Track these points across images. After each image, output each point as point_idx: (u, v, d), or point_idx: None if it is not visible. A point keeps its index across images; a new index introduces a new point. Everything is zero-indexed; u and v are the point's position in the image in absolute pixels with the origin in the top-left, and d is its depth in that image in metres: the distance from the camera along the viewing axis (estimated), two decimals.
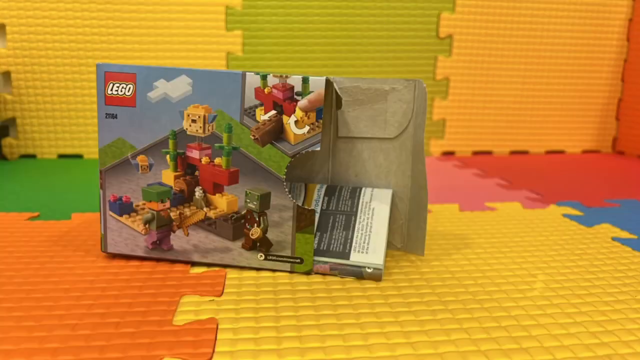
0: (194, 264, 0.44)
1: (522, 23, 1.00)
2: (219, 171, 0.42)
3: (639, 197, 0.71)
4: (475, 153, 1.06)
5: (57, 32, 0.88)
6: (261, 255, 0.42)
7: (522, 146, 1.07)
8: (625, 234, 0.54)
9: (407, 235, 0.47)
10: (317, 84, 0.40)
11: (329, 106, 0.46)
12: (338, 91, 0.44)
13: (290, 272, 0.43)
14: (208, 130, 0.41)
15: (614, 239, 0.53)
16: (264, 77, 0.40)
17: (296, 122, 0.40)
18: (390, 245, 0.48)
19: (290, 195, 0.41)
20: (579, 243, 0.52)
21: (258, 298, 0.38)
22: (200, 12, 0.91)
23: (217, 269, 0.43)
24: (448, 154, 1.05)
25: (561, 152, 1.09)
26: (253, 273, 0.43)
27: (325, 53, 0.96)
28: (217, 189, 0.42)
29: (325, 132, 0.47)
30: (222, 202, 0.42)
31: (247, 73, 0.40)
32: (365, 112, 0.45)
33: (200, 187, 0.42)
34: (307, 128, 0.40)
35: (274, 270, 0.43)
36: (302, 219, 0.41)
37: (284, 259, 0.42)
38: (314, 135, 0.40)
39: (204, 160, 0.42)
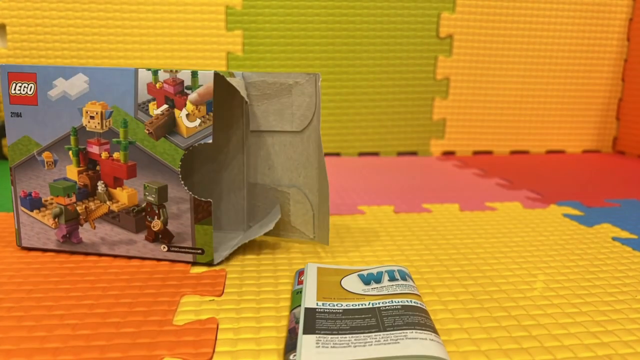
0: (101, 255, 0.45)
1: (523, 23, 1.00)
2: (118, 165, 0.43)
3: (639, 197, 0.71)
4: (476, 153, 1.06)
5: (57, 32, 0.88)
6: (164, 247, 0.44)
7: (522, 146, 1.07)
8: (625, 234, 0.54)
9: (317, 226, 0.48)
10: (205, 78, 0.41)
11: (241, 100, 0.47)
12: (247, 86, 0.46)
13: (193, 262, 0.44)
14: (105, 126, 0.43)
15: (614, 238, 0.53)
16: (155, 73, 0.42)
17: (187, 115, 0.42)
18: (303, 235, 0.49)
19: (186, 187, 0.43)
20: (579, 243, 0.52)
21: (259, 298, 0.38)
22: (200, 12, 0.91)
23: (217, 268, 0.43)
24: (448, 153, 1.05)
25: (561, 151, 1.09)
26: (254, 273, 0.43)
27: (325, 53, 0.96)
28: (118, 182, 0.44)
29: (237, 126, 0.48)
30: (123, 196, 0.44)
31: (139, 69, 0.42)
32: (273, 106, 0.47)
33: (102, 182, 0.44)
34: (198, 121, 0.42)
35: (176, 261, 0.44)
36: (200, 211, 0.43)
37: (186, 250, 0.44)
38: (205, 128, 0.42)
39: (104, 155, 0.43)
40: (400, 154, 1.04)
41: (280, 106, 0.46)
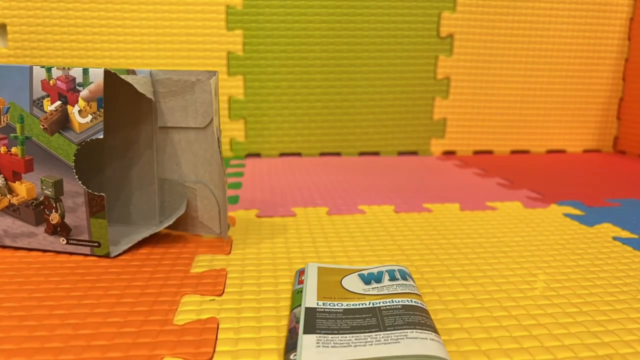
0: (5, 247, 0.47)
1: (523, 22, 1.00)
2: (16, 160, 0.45)
3: (639, 196, 0.71)
4: (476, 152, 1.06)
5: (57, 31, 0.88)
6: (63, 240, 0.45)
7: (523, 145, 1.07)
8: (626, 234, 0.54)
9: (223, 221, 0.49)
10: (96, 75, 0.43)
11: (150, 97, 0.48)
12: (154, 83, 0.48)
13: (91, 255, 0.46)
14: (3, 121, 0.44)
15: (614, 238, 0.53)
16: (48, 70, 0.43)
17: (80, 111, 0.43)
18: (210, 231, 0.50)
19: (80, 182, 0.44)
20: (579, 243, 0.52)
21: (259, 297, 0.38)
22: (200, 11, 0.91)
23: (218, 268, 0.43)
24: (449, 153, 1.05)
25: (562, 151, 1.09)
26: (254, 272, 0.43)
27: (325, 52, 0.96)
28: (16, 176, 0.45)
29: (146, 123, 0.50)
30: (22, 189, 0.45)
31: (34, 67, 0.44)
32: (178, 103, 0.48)
33: (2, 175, 0.45)
34: (90, 117, 0.43)
35: (75, 254, 0.46)
36: (94, 205, 0.44)
37: (84, 242, 0.45)
38: (96, 124, 0.43)
39: (2, 149, 0.45)
40: (400, 153, 1.04)
41: (185, 103, 0.48)
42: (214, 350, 0.31)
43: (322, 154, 1.02)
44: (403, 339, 0.30)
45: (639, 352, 0.32)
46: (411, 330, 0.31)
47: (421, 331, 0.31)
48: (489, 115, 1.04)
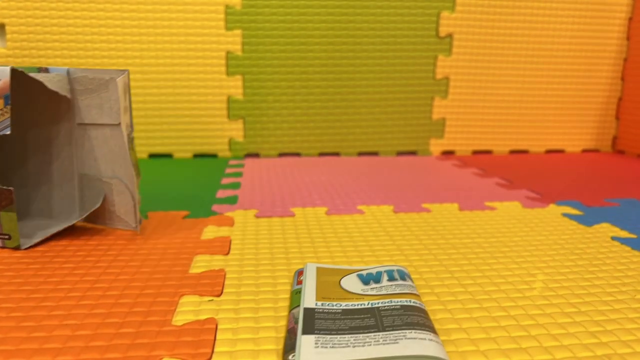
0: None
1: (522, 22, 1.00)
2: None
3: (638, 196, 0.71)
4: (475, 152, 1.06)
5: (56, 31, 0.88)
6: None
7: (521, 145, 1.07)
8: (624, 234, 0.54)
9: (137, 215, 0.51)
10: (2, 73, 0.44)
11: (65, 93, 0.50)
12: (72, 81, 0.50)
13: (2, 247, 0.47)
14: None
15: (613, 238, 0.53)
16: None
17: None
18: (127, 225, 0.52)
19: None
20: (578, 242, 0.52)
21: (257, 298, 0.38)
22: (199, 11, 0.91)
23: (216, 268, 0.43)
24: (448, 153, 1.05)
25: (561, 151, 1.09)
26: (252, 273, 0.43)
27: (325, 52, 0.96)
28: None
29: (65, 119, 0.51)
30: None
31: None
32: (94, 100, 0.50)
33: None
34: None
35: None
36: (3, 198, 0.45)
37: None
38: (3, 120, 0.45)
39: None
40: (399, 153, 1.04)
41: (101, 100, 0.49)
42: (213, 351, 0.31)
43: (321, 154, 1.02)
44: (402, 339, 0.30)
45: (637, 352, 0.32)
46: (410, 331, 0.31)
47: (420, 331, 0.31)
48: (488, 115, 1.04)
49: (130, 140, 0.49)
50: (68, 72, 0.50)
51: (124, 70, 0.48)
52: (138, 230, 0.51)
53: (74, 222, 0.51)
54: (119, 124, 0.49)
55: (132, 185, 0.50)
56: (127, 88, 0.49)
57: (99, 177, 0.52)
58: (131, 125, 0.49)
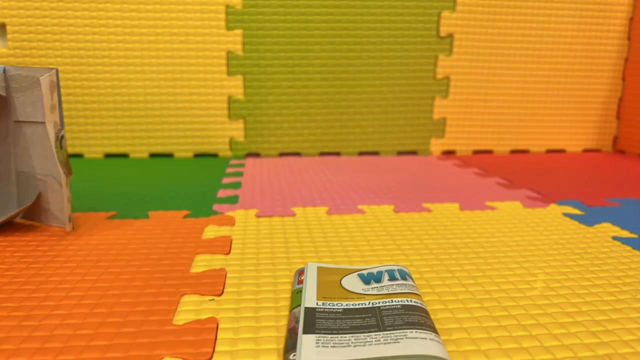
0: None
1: (523, 22, 1.00)
2: None
3: (639, 196, 0.71)
4: (476, 152, 1.06)
5: (57, 31, 0.88)
6: None
7: (522, 145, 1.07)
8: (625, 233, 0.54)
9: (67, 213, 0.51)
10: None
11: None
12: (8, 79, 0.50)
13: None
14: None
15: (614, 238, 0.53)
16: None
17: None
18: (61, 222, 0.52)
19: None
20: (579, 242, 0.52)
21: (258, 297, 0.38)
22: (200, 11, 0.91)
23: (217, 268, 0.43)
24: (448, 153, 1.05)
25: (562, 151, 1.09)
26: (253, 272, 0.43)
27: (325, 52, 0.96)
28: None
29: (2, 116, 0.53)
30: None
31: None
32: (29, 98, 0.50)
33: None
34: None
35: None
36: None
37: None
38: None
39: None
40: (400, 153, 1.04)
41: (34, 98, 0.50)
42: (214, 350, 0.31)
43: (322, 154, 1.02)
44: (403, 338, 0.30)
45: (638, 352, 0.32)
46: (411, 330, 0.31)
47: (421, 331, 0.31)
48: (488, 114, 1.04)
49: (59, 138, 0.49)
50: (4, 70, 0.51)
51: (52, 69, 0.49)
52: (69, 229, 0.51)
53: (4, 218, 0.51)
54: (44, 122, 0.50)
55: (64, 183, 0.50)
56: (55, 86, 0.49)
57: (34, 174, 0.52)
58: (61, 124, 0.50)
